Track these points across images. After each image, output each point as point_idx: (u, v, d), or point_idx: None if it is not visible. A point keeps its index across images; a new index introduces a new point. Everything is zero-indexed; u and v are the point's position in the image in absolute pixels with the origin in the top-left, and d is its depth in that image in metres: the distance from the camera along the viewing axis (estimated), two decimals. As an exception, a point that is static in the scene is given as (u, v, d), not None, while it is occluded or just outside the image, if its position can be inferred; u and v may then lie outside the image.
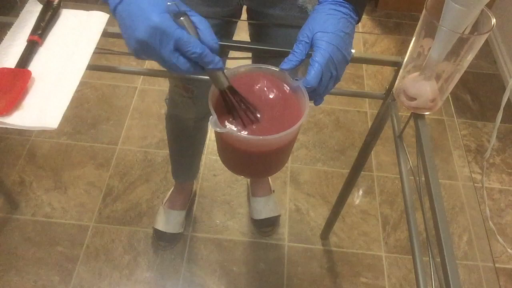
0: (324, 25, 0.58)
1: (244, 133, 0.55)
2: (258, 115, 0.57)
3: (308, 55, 0.58)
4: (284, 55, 0.59)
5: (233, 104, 0.56)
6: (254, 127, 0.56)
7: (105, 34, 0.71)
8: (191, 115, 1.09)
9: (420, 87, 0.65)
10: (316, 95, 0.59)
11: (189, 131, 1.17)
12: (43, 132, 1.57)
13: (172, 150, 1.28)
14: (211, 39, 0.53)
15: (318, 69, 0.56)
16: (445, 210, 0.61)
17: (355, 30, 0.62)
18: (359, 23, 0.64)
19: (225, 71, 0.58)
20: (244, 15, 0.90)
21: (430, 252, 0.63)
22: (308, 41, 0.58)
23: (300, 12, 0.80)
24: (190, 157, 1.29)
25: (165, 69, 0.54)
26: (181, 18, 0.51)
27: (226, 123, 0.56)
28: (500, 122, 0.81)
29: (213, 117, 0.53)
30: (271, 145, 0.57)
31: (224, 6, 0.83)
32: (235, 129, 0.56)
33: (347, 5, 0.60)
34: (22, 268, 1.27)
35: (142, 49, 0.50)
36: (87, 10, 0.73)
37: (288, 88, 0.60)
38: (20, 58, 0.65)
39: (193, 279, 1.29)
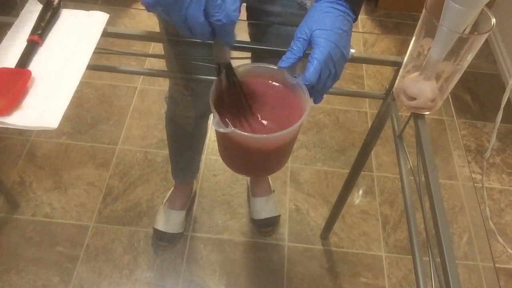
0: (322, 22, 0.58)
1: (246, 132, 0.55)
2: (251, 109, 0.58)
3: (306, 54, 0.58)
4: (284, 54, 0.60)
5: (225, 81, 0.56)
6: (255, 126, 0.57)
7: (105, 34, 0.71)
8: (191, 113, 1.09)
9: (420, 87, 0.65)
10: (314, 92, 0.59)
11: (189, 130, 1.17)
12: (43, 132, 1.57)
13: (172, 149, 1.28)
14: (232, 10, 0.50)
15: (317, 66, 0.56)
16: (445, 210, 0.61)
17: (355, 30, 0.62)
18: (359, 23, 0.64)
19: (224, 71, 0.58)
20: (243, 15, 0.90)
21: (430, 252, 0.63)
22: (306, 38, 0.58)
23: (299, 9, 0.81)
24: (190, 156, 1.29)
25: (165, 70, 0.54)
26: None
27: (228, 122, 0.56)
28: (500, 122, 0.82)
29: (216, 118, 0.53)
30: (273, 143, 0.57)
31: None
32: (238, 129, 0.56)
33: (344, 4, 0.60)
34: (22, 268, 1.27)
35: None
36: (87, 10, 0.73)
37: (288, 86, 0.60)
38: (20, 58, 0.65)
39: (193, 279, 1.29)
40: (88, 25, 0.71)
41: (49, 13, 0.70)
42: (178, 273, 1.29)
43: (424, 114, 0.70)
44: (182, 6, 0.47)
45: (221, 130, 0.52)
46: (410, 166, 0.74)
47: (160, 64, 1.00)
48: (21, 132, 1.56)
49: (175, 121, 1.16)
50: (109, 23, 0.72)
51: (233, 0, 0.50)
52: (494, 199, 1.57)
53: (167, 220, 1.33)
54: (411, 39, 0.64)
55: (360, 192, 1.54)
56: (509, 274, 1.39)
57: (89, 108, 1.68)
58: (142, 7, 0.50)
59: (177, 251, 1.33)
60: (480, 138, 1.76)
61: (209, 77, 0.81)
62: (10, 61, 0.65)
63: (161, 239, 1.33)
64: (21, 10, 0.72)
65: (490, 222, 1.42)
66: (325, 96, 0.61)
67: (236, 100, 0.58)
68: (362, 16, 2.22)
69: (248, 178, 1.48)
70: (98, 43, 0.69)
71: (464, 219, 1.49)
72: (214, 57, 0.56)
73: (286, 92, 0.60)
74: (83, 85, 1.73)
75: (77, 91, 0.62)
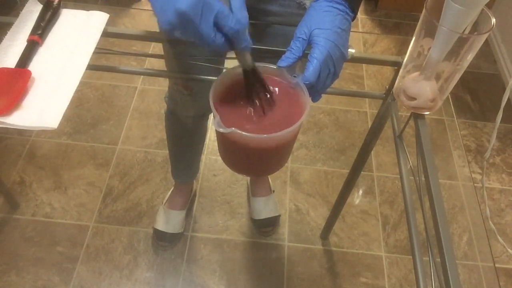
0: (321, 22, 0.58)
1: (246, 132, 0.55)
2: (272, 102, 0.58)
3: (305, 53, 0.58)
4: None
5: (253, 85, 0.57)
6: (256, 126, 0.57)
7: (105, 34, 0.71)
8: (190, 113, 1.09)
9: (420, 87, 0.65)
10: (314, 91, 0.59)
11: (188, 129, 1.17)
12: (43, 132, 1.57)
13: (172, 149, 1.28)
14: (242, 17, 0.51)
15: (316, 65, 0.56)
16: (445, 210, 0.61)
17: (355, 30, 0.62)
18: (359, 23, 0.64)
19: (224, 71, 0.58)
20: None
21: (430, 252, 0.63)
22: (305, 38, 0.58)
23: (298, 8, 0.81)
24: (190, 156, 1.29)
25: (165, 70, 0.54)
26: None
27: (229, 122, 0.56)
28: (500, 122, 0.81)
29: (216, 118, 0.53)
30: (273, 143, 0.57)
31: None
32: (238, 129, 0.56)
33: (342, 2, 0.60)
34: (22, 268, 1.27)
35: (180, 23, 0.48)
36: (87, 10, 0.73)
37: (287, 85, 0.60)
38: (20, 58, 0.65)
39: (193, 279, 1.29)
40: (88, 25, 0.71)
41: (49, 13, 0.70)
42: (178, 273, 1.29)
43: (424, 114, 0.70)
44: (196, 24, 0.48)
45: (221, 130, 0.52)
46: (410, 166, 0.74)
47: (160, 64, 1.00)
48: (21, 132, 1.56)
49: (174, 120, 1.16)
50: (109, 23, 0.72)
51: (239, 7, 0.51)
52: (494, 199, 1.57)
53: (167, 220, 1.33)
54: (411, 39, 0.64)
55: (360, 192, 1.54)
56: (509, 274, 1.39)
57: (89, 108, 1.68)
58: (142, 7, 0.50)
59: (177, 251, 1.33)
60: (480, 138, 1.76)
61: (208, 77, 0.81)
62: (10, 61, 0.65)
63: (161, 239, 1.33)
64: (21, 10, 0.72)
65: (490, 222, 1.42)
66: (325, 96, 0.62)
67: (253, 94, 0.58)
68: (362, 16, 2.22)
69: (248, 178, 1.48)
70: (98, 43, 0.69)
71: (464, 219, 1.49)
72: (240, 65, 0.57)
73: (286, 91, 0.60)
74: (83, 85, 1.73)
75: (77, 91, 0.62)
